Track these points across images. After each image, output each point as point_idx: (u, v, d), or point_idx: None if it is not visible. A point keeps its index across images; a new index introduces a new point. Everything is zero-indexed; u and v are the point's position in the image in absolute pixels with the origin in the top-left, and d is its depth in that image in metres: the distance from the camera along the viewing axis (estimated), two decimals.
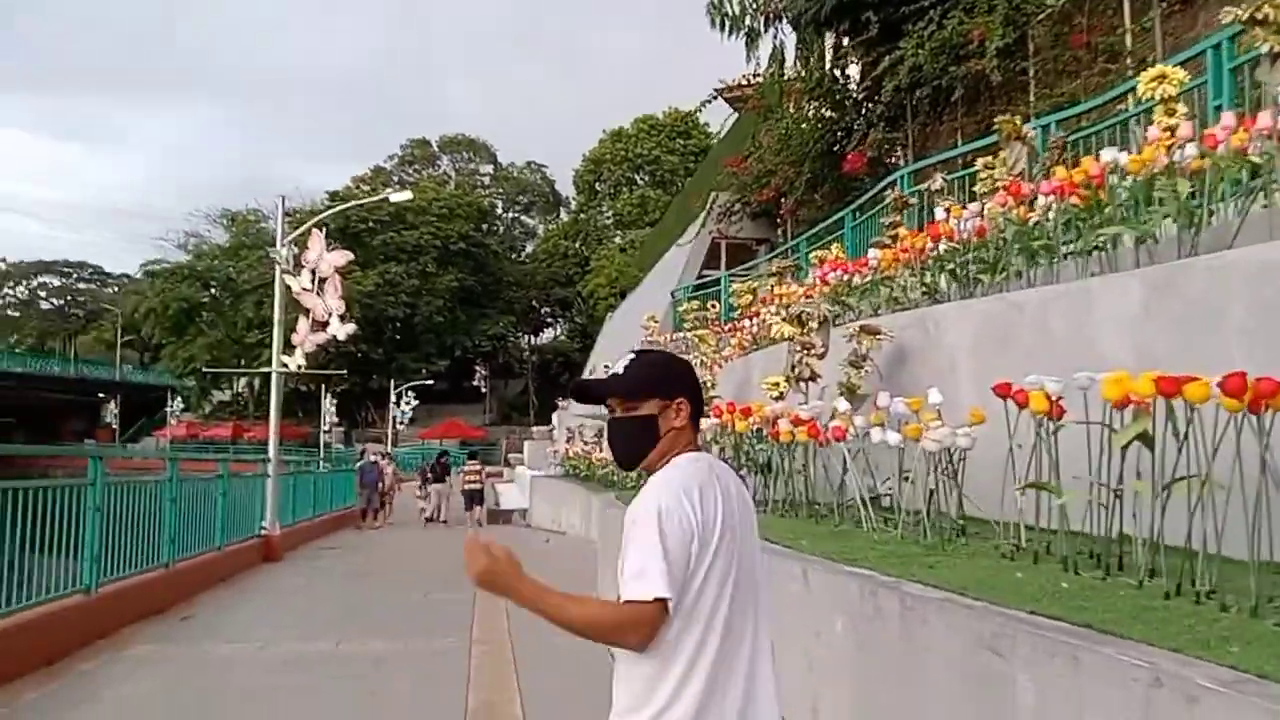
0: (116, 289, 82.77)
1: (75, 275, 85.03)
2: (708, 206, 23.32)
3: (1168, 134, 4.87)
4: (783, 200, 19.01)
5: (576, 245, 68.94)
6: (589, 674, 3.41)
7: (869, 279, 7.12)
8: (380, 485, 21.31)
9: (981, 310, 5.20)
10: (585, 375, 33.22)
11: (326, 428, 53.11)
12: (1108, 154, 5.06)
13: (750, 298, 15.93)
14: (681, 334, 19.57)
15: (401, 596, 11.10)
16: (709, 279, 22.16)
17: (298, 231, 15.74)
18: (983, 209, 6.18)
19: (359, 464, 21.10)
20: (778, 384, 5.69)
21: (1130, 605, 2.91)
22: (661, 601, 2.03)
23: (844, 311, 6.38)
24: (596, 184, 66.98)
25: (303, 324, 15.24)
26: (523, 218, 79.68)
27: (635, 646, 2.10)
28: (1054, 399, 3.53)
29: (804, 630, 3.71)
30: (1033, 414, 3.56)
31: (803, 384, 5.68)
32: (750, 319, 10.98)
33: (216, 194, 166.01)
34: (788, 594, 3.82)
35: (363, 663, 7.59)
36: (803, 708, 3.68)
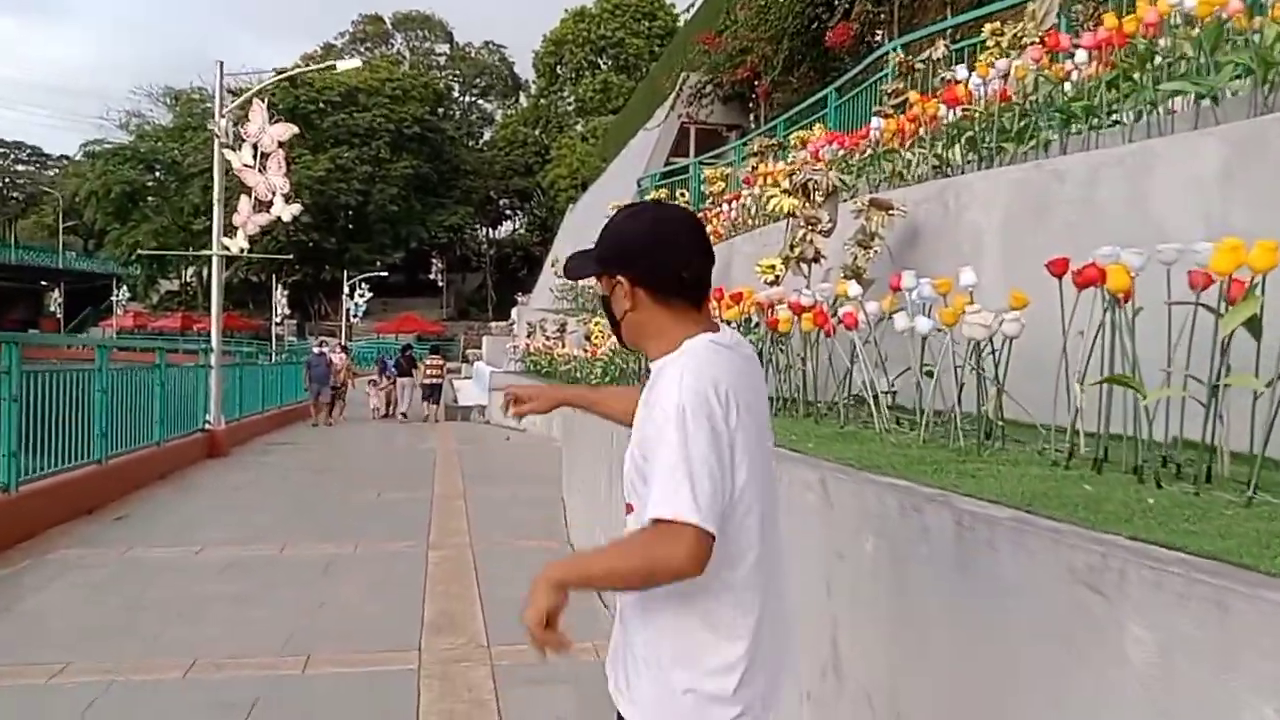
0: (57, 171, 79.39)
1: (12, 156, 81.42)
2: (677, 87, 22.22)
3: None
4: (758, 81, 18.03)
5: (536, 133, 67.13)
6: None
7: (868, 154, 6.40)
8: (331, 379, 20.46)
9: (1014, 180, 4.51)
10: (546, 269, 32.43)
11: (278, 319, 52.02)
12: None
13: (722, 185, 15.18)
14: None
15: (354, 495, 10.50)
16: (677, 166, 21.23)
17: (238, 101, 14.57)
18: (1009, 70, 5.45)
19: (307, 357, 20.21)
20: (773, 267, 5.02)
21: (1251, 529, 2.32)
22: (694, 527, 1.64)
23: (843, 189, 5.66)
24: (558, 67, 64.87)
25: (244, 204, 14.21)
26: (480, 102, 77.29)
27: (690, 573, 1.67)
28: (1134, 276, 2.90)
29: (822, 550, 3.12)
30: (1109, 294, 2.92)
31: (804, 266, 5.01)
32: (729, 203, 10.22)
33: (168, 74, 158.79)
34: (802, 506, 3.22)
35: (310, 568, 7.00)
36: (820, 639, 3.12)
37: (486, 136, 74.87)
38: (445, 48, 75.97)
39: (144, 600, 6.11)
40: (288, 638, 5.33)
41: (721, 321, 2.18)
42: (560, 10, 64.33)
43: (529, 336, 20.73)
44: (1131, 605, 2.06)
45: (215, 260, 14.35)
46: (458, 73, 75.30)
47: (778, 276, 5.07)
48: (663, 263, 1.85)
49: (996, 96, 5.44)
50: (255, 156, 14.37)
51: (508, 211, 75.07)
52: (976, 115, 5.15)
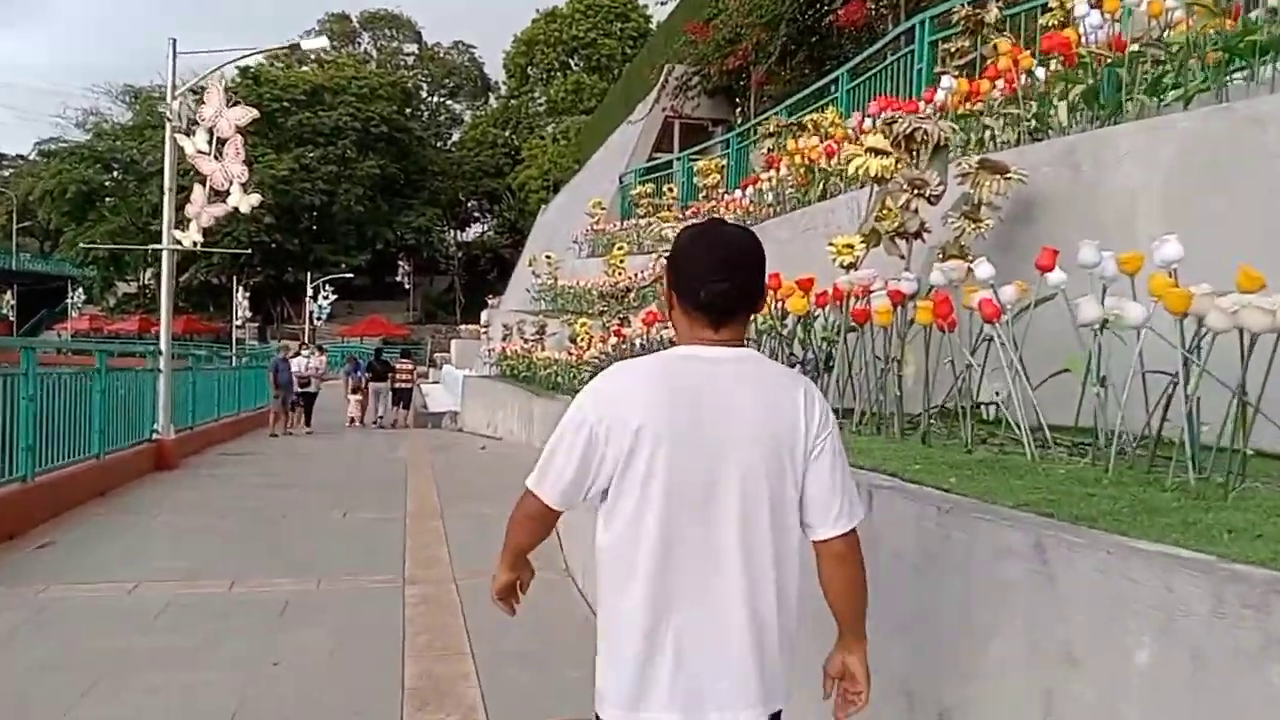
0: (11, 170, 76.80)
1: None
2: (661, 79, 21.15)
3: None
4: (749, 70, 17.02)
5: (506, 134, 65.86)
6: (560, 627, 2.15)
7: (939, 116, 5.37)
8: (312, 384, 19.24)
9: (1186, 131, 3.50)
10: (520, 269, 31.29)
11: (239, 323, 50.36)
12: None
13: (718, 176, 14.18)
14: (633, 220, 17.72)
15: (317, 516, 9.30)
16: (660, 161, 20.18)
17: (196, 79, 13.31)
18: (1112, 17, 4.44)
19: (273, 359, 18.90)
20: (850, 246, 3.97)
21: None
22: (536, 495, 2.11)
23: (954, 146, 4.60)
24: (529, 68, 63.69)
25: (198, 193, 12.92)
26: (449, 102, 75.80)
27: (526, 529, 2.23)
28: None
29: (1034, 649, 2.06)
30: None
31: (901, 243, 3.98)
32: (742, 189, 9.17)
33: (128, 73, 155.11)
34: (993, 584, 2.17)
35: (264, 612, 5.85)
36: None
37: (455, 137, 73.39)
38: (414, 47, 74.46)
39: (55, 660, 4.93)
40: (231, 717, 4.19)
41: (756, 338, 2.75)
42: (531, 11, 63.26)
43: (504, 339, 19.57)
44: None
45: (165, 255, 13.06)
46: (426, 72, 73.80)
47: (855, 260, 4.03)
48: (685, 279, 2.04)
49: (1107, 44, 4.44)
50: (211, 143, 13.12)
51: (476, 214, 73.65)
52: (1102, 61, 4.12)
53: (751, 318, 2.23)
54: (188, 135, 12.95)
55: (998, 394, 3.54)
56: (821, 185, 6.89)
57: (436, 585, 6.53)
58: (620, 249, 15.35)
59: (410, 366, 21.56)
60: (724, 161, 14.74)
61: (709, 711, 1.92)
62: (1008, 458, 3.13)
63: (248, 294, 54.22)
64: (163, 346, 13.02)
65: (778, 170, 7.92)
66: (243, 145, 13.03)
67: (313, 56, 62.00)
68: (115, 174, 63.39)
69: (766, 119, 10.50)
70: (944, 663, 2.31)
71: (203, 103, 13.07)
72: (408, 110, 66.70)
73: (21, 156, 76.05)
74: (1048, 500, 2.42)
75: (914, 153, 3.90)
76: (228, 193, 12.95)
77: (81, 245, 54.60)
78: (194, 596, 6.16)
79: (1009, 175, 3.78)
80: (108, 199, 62.83)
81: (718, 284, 1.97)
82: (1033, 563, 2.03)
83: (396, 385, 20.89)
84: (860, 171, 4.04)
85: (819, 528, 1.99)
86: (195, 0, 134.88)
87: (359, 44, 73.44)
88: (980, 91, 5.25)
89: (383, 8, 72.81)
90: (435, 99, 74.96)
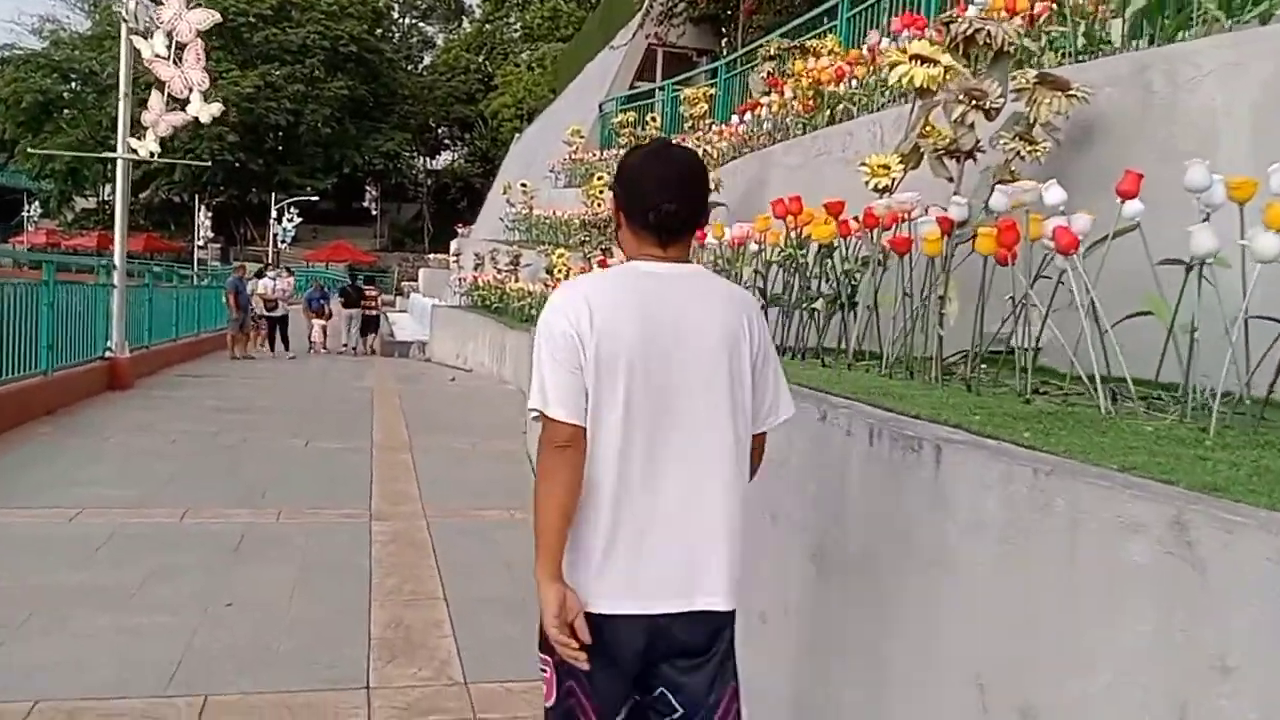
0: None
1: None
2: (645, 4, 20.33)
3: None
4: None
5: (480, 59, 64.13)
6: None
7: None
8: (274, 308, 18.55)
9: None
10: (492, 197, 30.53)
11: (201, 243, 49.07)
12: None
13: (705, 106, 13.62)
14: (614, 149, 17.11)
15: (277, 443, 8.84)
16: (642, 90, 19.49)
17: None
18: None
19: (231, 279, 18.17)
20: (887, 167, 3.52)
21: None
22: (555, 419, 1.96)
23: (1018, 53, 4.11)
24: None
25: (155, 100, 12.14)
26: (421, 25, 73.57)
27: (565, 469, 1.95)
28: None
29: (1168, 649, 1.68)
30: None
31: (950, 163, 3.53)
32: (739, 115, 8.66)
33: None
34: (1109, 566, 1.78)
35: (217, 546, 5.42)
36: None
37: (427, 61, 71.32)
38: None
39: None
40: (176, 666, 3.78)
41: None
42: None
43: (476, 269, 18.98)
44: None
45: (120, 165, 12.31)
46: None
47: (891, 183, 3.59)
48: (635, 200, 2.08)
49: None
50: (170, 47, 12.33)
51: (447, 141, 71.94)
52: None
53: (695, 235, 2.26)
54: (145, 39, 12.14)
55: (1036, 338, 3.14)
56: (829, 110, 6.41)
57: (406, 522, 6.13)
58: (600, 179, 14.77)
59: (375, 293, 21.25)
60: (712, 91, 14.14)
61: (671, 599, 1.98)
62: (1075, 410, 2.74)
63: (210, 214, 52.78)
64: (117, 260, 12.35)
65: (781, 94, 7.41)
66: (203, 52, 12.25)
67: None
68: (74, 85, 61.06)
69: (766, 43, 9.93)
70: (1031, 655, 1.93)
71: (161, 3, 12.25)
72: (378, 31, 64.55)
73: None
74: (1154, 463, 2.03)
75: (972, 58, 3.46)
76: (187, 101, 12.19)
77: (30, 150, 52.59)
78: (141, 526, 5.71)
79: (1071, 93, 3.35)
80: (65, 111, 60.58)
81: (667, 204, 2.04)
82: (1170, 544, 1.64)
83: (365, 313, 20.58)
84: (904, 81, 3.56)
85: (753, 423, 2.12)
86: None
87: None
88: (1016, 7, 4.77)
89: None
90: (407, 20, 72.69)
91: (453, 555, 5.43)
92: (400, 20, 72.09)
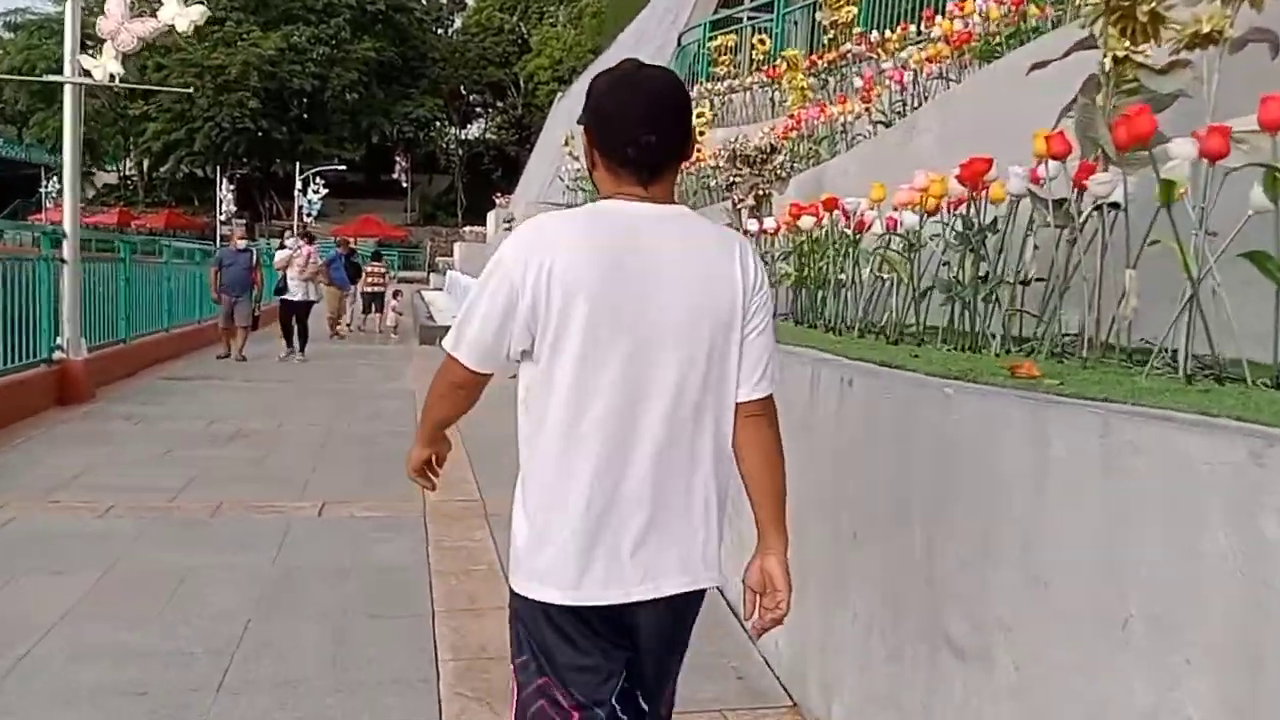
0: None
1: None
2: None
3: None
4: None
5: (514, 19, 60.67)
6: None
7: None
8: (284, 290, 13.81)
9: None
10: (535, 159, 27.33)
11: (224, 218, 46.14)
12: None
13: (853, 10, 10.25)
14: (707, 84, 13.68)
15: (266, 514, 5.58)
16: (741, 9, 15.87)
17: None
18: None
19: (217, 254, 14.27)
20: None
21: None
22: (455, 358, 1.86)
23: None
24: None
25: (115, 3, 8.89)
26: None
27: (450, 400, 1.96)
28: None
29: None
30: None
31: None
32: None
33: None
34: None
35: None
36: None
37: (458, 24, 67.98)
38: None
39: None
40: None
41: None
42: None
43: None
44: None
45: (67, 90, 9.06)
46: None
47: None
48: (609, 133, 1.83)
49: None
50: None
51: (479, 109, 68.66)
52: None
53: (681, 167, 1.91)
54: None
55: None
56: None
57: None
58: (699, 116, 11.38)
59: (382, 269, 19.86)
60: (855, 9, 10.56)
61: (647, 580, 1.82)
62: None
63: (233, 187, 49.93)
64: (67, 229, 9.12)
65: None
66: None
67: None
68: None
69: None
70: None
71: None
72: None
73: None
74: None
75: None
76: (159, 3, 8.89)
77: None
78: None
79: None
80: None
81: (646, 135, 1.80)
82: None
83: (366, 289, 19.07)
84: None
85: (740, 389, 1.87)
86: None
87: None
88: None
89: None
90: None
91: None
92: None
